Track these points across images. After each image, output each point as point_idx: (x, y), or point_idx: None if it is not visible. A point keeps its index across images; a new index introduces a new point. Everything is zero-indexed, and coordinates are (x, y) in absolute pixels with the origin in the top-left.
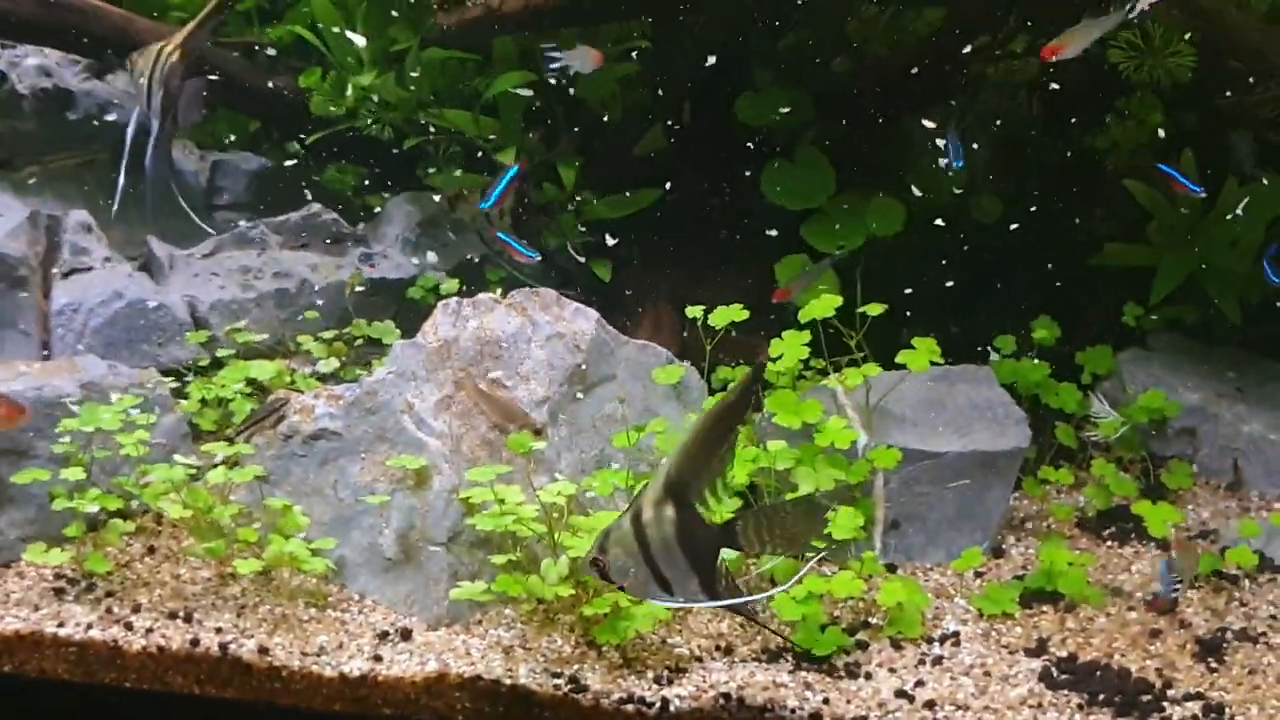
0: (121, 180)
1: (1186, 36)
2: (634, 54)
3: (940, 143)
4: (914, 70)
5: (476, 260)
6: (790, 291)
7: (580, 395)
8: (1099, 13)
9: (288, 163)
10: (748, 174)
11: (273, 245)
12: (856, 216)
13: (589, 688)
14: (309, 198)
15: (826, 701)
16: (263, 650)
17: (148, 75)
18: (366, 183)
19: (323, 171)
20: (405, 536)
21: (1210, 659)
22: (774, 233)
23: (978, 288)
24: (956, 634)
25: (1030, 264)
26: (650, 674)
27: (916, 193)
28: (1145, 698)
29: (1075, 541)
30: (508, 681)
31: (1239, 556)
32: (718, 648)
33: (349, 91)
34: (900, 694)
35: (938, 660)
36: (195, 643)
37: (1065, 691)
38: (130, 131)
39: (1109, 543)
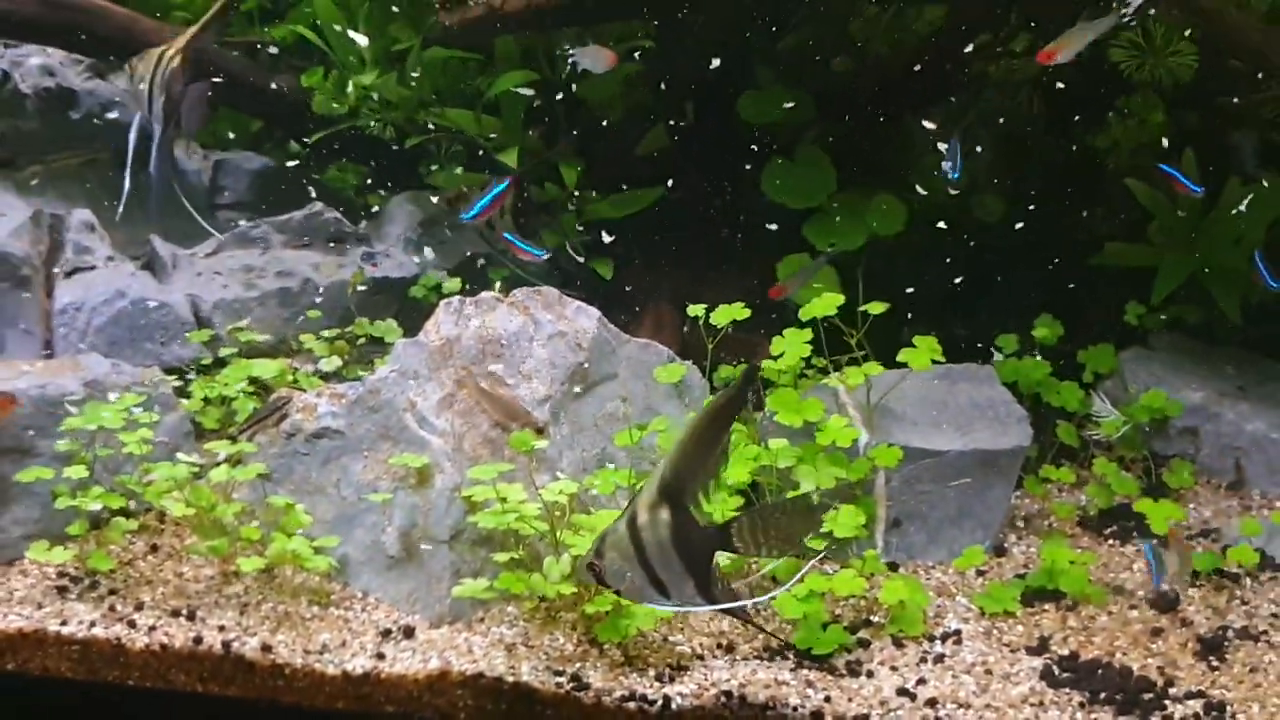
0: (126, 184)
1: (1187, 35)
2: (636, 54)
3: (942, 146)
4: (915, 69)
5: (480, 260)
6: (785, 288)
7: (582, 394)
8: (1096, 13)
9: (290, 162)
10: (749, 173)
11: (275, 244)
12: (858, 215)
13: (591, 685)
14: (311, 197)
15: (828, 699)
16: (265, 648)
17: (148, 80)
18: (368, 182)
19: (325, 171)
20: (408, 534)
21: (1211, 657)
22: (774, 227)
23: (979, 286)
24: (958, 632)
25: (1032, 263)
26: (652, 672)
27: (921, 191)
28: (1147, 696)
29: (1077, 540)
30: (510, 679)
31: (1240, 555)
32: (719, 645)
33: (351, 90)
34: (902, 692)
35: (939, 658)
36: (198, 641)
37: (1067, 690)
38: (132, 137)
39: (1110, 541)
